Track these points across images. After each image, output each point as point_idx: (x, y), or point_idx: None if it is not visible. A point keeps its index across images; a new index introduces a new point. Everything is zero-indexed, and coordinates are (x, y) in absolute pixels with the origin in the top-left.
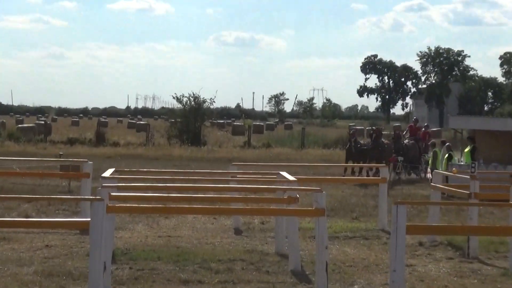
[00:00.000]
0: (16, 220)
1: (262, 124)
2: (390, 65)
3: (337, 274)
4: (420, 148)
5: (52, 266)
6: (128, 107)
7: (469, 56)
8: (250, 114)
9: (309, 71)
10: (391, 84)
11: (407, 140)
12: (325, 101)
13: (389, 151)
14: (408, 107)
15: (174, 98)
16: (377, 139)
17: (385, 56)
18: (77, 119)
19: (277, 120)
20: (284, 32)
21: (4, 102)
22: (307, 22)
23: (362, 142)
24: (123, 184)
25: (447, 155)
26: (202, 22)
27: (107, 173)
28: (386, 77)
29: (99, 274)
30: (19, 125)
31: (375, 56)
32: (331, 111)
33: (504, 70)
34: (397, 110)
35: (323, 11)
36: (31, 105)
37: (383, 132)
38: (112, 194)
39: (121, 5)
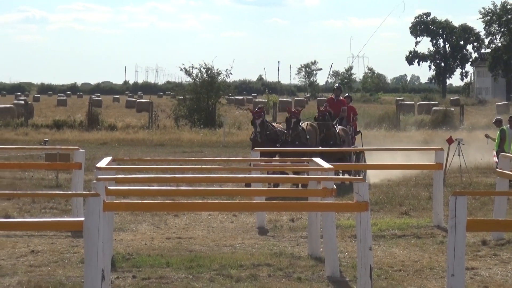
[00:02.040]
0: None
1: (290, 100)
2: (446, 26)
3: (383, 281)
4: (352, 137)
5: (40, 276)
6: (126, 82)
7: None
8: (275, 88)
9: (347, 34)
10: (447, 49)
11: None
12: (366, 71)
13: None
14: (468, 77)
15: (182, 70)
16: (296, 126)
17: (440, 15)
18: (64, 98)
19: (308, 95)
20: None
21: None
22: None
23: (277, 125)
24: (123, 176)
25: None
26: None
27: (103, 162)
28: (441, 40)
29: (96, 284)
30: None
31: (428, 14)
32: (374, 83)
33: None
34: (455, 80)
35: None
36: (7, 81)
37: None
38: (109, 188)
39: None
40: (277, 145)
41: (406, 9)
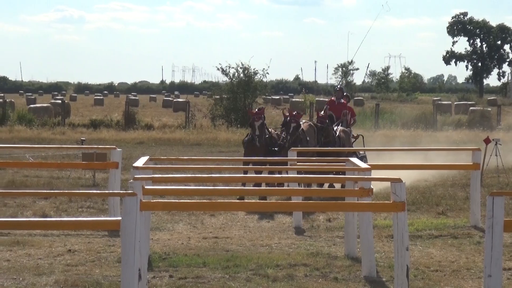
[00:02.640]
0: (32, 221)
1: (326, 99)
2: (483, 25)
3: (420, 281)
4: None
5: (76, 275)
6: (162, 82)
7: None
8: (312, 88)
9: (384, 34)
10: (484, 49)
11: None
12: (403, 70)
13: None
14: (506, 77)
15: (218, 69)
16: (295, 132)
17: (477, 15)
18: (101, 97)
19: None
20: None
21: (12, 78)
22: None
23: (273, 131)
24: (160, 176)
25: None
26: None
27: (140, 162)
28: (478, 40)
29: (133, 284)
30: (31, 105)
31: (465, 14)
32: (410, 83)
33: None
34: (492, 80)
35: None
36: (44, 80)
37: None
38: (146, 187)
39: None
40: (275, 149)
41: (442, 8)
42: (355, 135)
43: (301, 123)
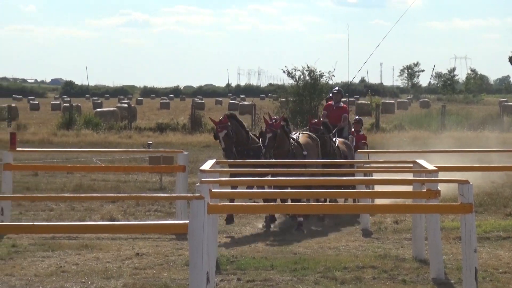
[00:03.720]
0: (100, 224)
1: (392, 101)
2: None
3: (488, 283)
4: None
5: (145, 279)
6: (228, 85)
7: None
8: (378, 90)
9: (450, 36)
10: None
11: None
12: (469, 72)
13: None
14: None
15: (284, 72)
16: (272, 143)
17: None
18: (167, 101)
19: (410, 97)
20: None
21: (79, 82)
22: None
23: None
24: (227, 179)
25: None
26: None
27: (207, 165)
28: None
29: (201, 287)
30: (98, 109)
31: None
32: (477, 84)
33: None
34: None
35: None
36: (110, 84)
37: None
38: (213, 190)
39: None
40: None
41: (509, 9)
42: (367, 142)
43: (297, 134)
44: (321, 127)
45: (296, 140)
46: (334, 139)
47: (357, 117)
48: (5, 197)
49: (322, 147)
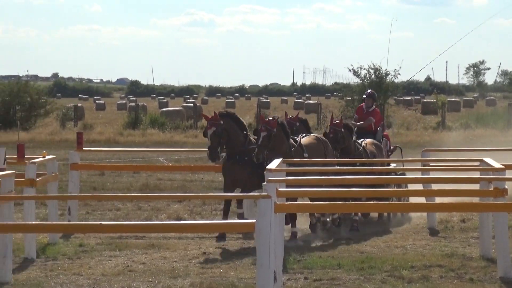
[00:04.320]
0: (167, 224)
1: (458, 100)
2: None
3: None
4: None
5: (212, 278)
6: (293, 84)
7: None
8: (444, 88)
9: None
10: None
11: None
12: None
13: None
14: None
15: (350, 70)
16: (266, 143)
17: None
18: (232, 100)
19: (476, 95)
20: None
21: (144, 82)
22: None
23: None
24: (293, 178)
25: None
26: None
27: (273, 164)
28: None
29: (268, 286)
30: (163, 109)
31: None
32: None
33: None
34: None
35: None
36: (176, 84)
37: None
38: (280, 190)
39: None
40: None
41: None
42: (391, 148)
43: (303, 135)
44: (341, 130)
45: (298, 142)
46: (360, 141)
47: (369, 90)
48: (72, 197)
49: (344, 149)
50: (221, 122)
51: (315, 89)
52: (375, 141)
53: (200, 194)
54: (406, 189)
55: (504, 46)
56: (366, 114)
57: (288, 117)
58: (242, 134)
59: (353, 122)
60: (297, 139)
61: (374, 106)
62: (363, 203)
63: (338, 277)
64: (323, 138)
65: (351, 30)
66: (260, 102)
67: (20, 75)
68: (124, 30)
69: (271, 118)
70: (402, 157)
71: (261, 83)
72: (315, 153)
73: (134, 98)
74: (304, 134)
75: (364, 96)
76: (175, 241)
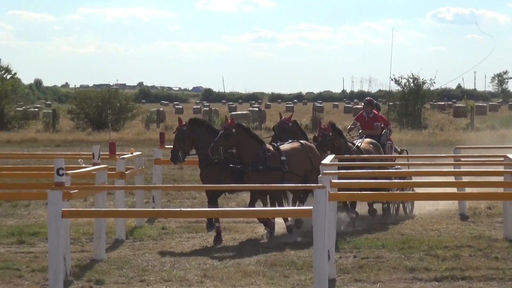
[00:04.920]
0: (237, 210)
1: (485, 104)
2: None
3: None
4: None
5: (275, 256)
6: (343, 91)
7: None
8: (472, 94)
9: None
10: None
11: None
12: None
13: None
14: None
15: (392, 79)
16: (222, 140)
17: None
18: (291, 105)
19: (500, 101)
20: (508, 6)
21: (216, 89)
22: None
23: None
24: (344, 171)
25: None
26: None
27: (327, 160)
28: None
29: (323, 263)
30: (233, 113)
31: None
32: None
33: None
34: None
35: None
36: (243, 91)
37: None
38: (333, 181)
39: None
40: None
41: None
42: (398, 149)
43: (289, 142)
44: (329, 134)
45: (276, 147)
46: (358, 141)
47: (367, 98)
48: (156, 187)
49: (334, 150)
50: (184, 128)
51: (362, 96)
52: (373, 141)
53: (266, 185)
54: (440, 181)
55: None
56: (369, 120)
57: (322, 126)
58: (211, 139)
59: (352, 126)
60: (280, 145)
61: (374, 112)
62: (404, 192)
63: (382, 255)
64: (309, 144)
65: (394, 46)
66: (315, 107)
67: (111, 84)
68: (199, 45)
69: (231, 120)
70: (408, 160)
71: (316, 90)
72: (295, 157)
73: (208, 104)
74: (291, 141)
75: (363, 103)
76: (243, 225)
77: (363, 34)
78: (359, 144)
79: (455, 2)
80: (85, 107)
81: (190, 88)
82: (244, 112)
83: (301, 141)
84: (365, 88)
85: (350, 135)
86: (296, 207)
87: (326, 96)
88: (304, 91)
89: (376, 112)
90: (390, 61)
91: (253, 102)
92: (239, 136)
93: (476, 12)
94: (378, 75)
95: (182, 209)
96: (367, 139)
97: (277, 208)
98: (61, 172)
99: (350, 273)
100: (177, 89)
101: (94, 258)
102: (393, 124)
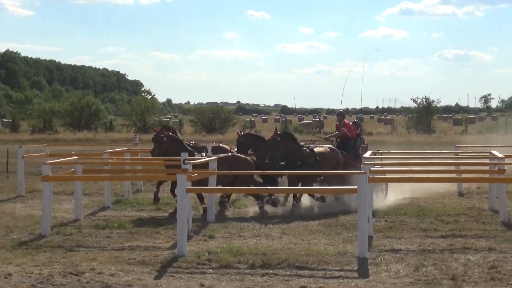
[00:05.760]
0: (290, 189)
1: (475, 117)
2: None
3: None
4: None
5: (330, 220)
6: (377, 107)
7: None
8: (466, 109)
9: (510, 77)
10: None
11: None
12: None
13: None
14: None
15: (411, 99)
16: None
17: None
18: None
19: (486, 114)
20: (490, 49)
21: (289, 105)
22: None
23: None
24: (381, 162)
25: None
26: (429, 43)
27: (367, 154)
28: None
29: (364, 225)
30: (301, 122)
31: None
32: None
33: None
34: None
35: None
36: (308, 107)
37: None
38: (371, 169)
39: (369, 33)
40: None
41: None
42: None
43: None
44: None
45: (311, 149)
46: (310, 147)
47: (355, 120)
48: (251, 173)
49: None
50: (156, 132)
51: (390, 110)
52: (332, 147)
53: (322, 171)
54: (446, 169)
55: (503, 85)
56: (340, 127)
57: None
58: (181, 146)
59: (332, 133)
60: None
61: (344, 121)
62: (428, 176)
63: (404, 220)
64: (333, 148)
65: (412, 76)
66: (358, 119)
67: (218, 102)
68: (278, 75)
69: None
70: (381, 160)
71: (357, 106)
72: (323, 156)
73: (284, 116)
74: (320, 145)
75: (336, 115)
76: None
77: (390, 67)
78: (315, 149)
79: (454, 45)
80: (201, 118)
81: (272, 104)
82: (309, 121)
83: (330, 146)
84: (392, 105)
85: (308, 142)
86: (344, 186)
87: (365, 111)
88: (350, 106)
89: (346, 121)
90: (409, 88)
91: (315, 114)
92: (168, 144)
93: (469, 53)
94: (401, 96)
95: (268, 187)
96: (327, 145)
97: (328, 187)
98: (185, 162)
99: (383, 232)
100: (263, 105)
101: (207, 220)
102: (412, 130)
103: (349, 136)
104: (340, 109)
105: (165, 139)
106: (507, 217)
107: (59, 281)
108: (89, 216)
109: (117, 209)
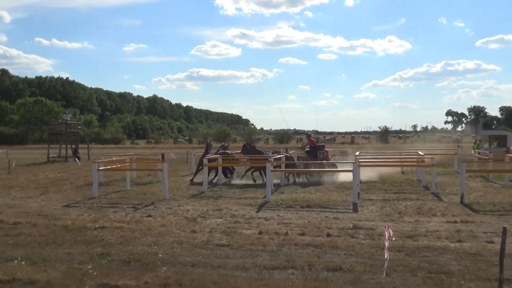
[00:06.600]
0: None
1: (409, 135)
2: None
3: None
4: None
5: (340, 184)
6: (361, 130)
7: None
8: (404, 131)
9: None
10: None
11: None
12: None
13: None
14: None
15: (378, 127)
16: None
17: None
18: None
19: (413, 134)
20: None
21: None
22: None
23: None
24: (363, 157)
25: None
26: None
27: (357, 153)
28: None
29: (356, 186)
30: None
31: None
32: None
33: None
34: None
35: None
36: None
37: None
38: (359, 160)
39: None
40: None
41: None
42: (329, 156)
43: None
44: (248, 146)
45: (326, 150)
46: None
47: (309, 132)
48: (305, 162)
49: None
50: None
51: (368, 132)
52: (288, 155)
53: (320, 161)
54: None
55: (421, 118)
56: (309, 141)
57: (246, 144)
58: (257, 151)
59: (302, 145)
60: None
61: (310, 138)
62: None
63: (375, 185)
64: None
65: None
66: (351, 138)
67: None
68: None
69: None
70: (334, 160)
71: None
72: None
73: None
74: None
75: (306, 136)
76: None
77: None
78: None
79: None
80: (276, 136)
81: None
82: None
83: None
84: (369, 129)
85: (267, 152)
86: (344, 169)
87: (354, 132)
88: (348, 130)
89: (312, 138)
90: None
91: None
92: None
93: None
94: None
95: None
96: (283, 154)
97: (336, 169)
98: (270, 157)
99: (365, 190)
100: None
101: (280, 185)
102: (378, 141)
103: (313, 145)
104: (309, 131)
105: (248, 147)
106: (425, 184)
107: (211, 213)
108: (223, 184)
109: (233, 183)
